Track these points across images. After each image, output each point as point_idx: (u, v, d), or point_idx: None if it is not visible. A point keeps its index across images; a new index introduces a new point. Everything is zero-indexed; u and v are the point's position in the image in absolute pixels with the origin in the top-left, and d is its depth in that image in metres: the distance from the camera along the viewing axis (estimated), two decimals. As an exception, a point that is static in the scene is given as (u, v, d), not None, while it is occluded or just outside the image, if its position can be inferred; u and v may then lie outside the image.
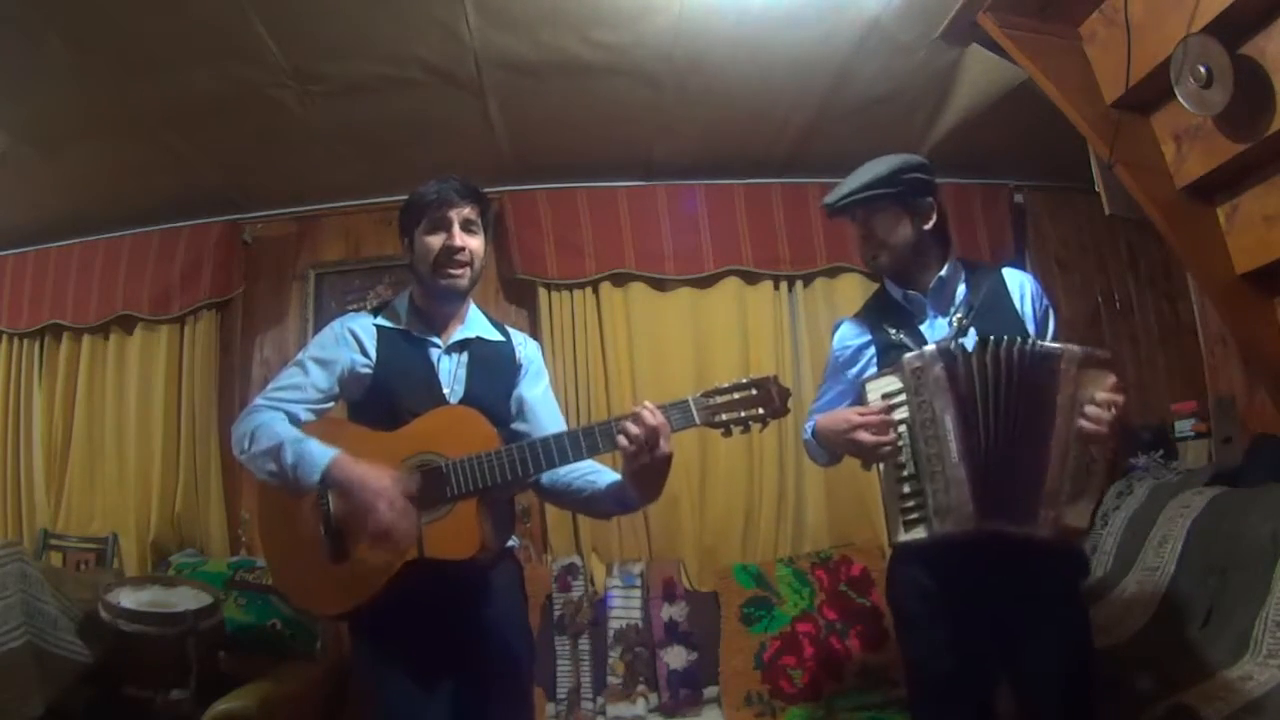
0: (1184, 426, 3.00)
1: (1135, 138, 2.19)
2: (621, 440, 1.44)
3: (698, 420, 1.48)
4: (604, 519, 1.79)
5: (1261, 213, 2.06)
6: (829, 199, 1.73)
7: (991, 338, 1.51)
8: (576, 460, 1.53)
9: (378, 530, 1.43)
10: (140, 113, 2.58)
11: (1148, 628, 2.16)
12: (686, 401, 1.49)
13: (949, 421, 1.47)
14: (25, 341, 3.32)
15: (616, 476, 1.61)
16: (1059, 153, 2.66)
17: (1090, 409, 1.44)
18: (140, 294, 3.23)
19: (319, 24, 2.24)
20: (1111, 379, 1.46)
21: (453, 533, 1.50)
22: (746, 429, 1.51)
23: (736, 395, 1.50)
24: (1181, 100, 1.92)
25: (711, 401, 1.50)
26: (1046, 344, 1.54)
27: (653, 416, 1.43)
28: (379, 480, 1.44)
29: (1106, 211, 2.33)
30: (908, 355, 1.53)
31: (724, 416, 1.49)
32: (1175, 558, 2.23)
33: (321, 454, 1.48)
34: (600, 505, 1.65)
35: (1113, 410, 1.43)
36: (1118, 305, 3.45)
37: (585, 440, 1.50)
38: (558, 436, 1.52)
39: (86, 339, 3.28)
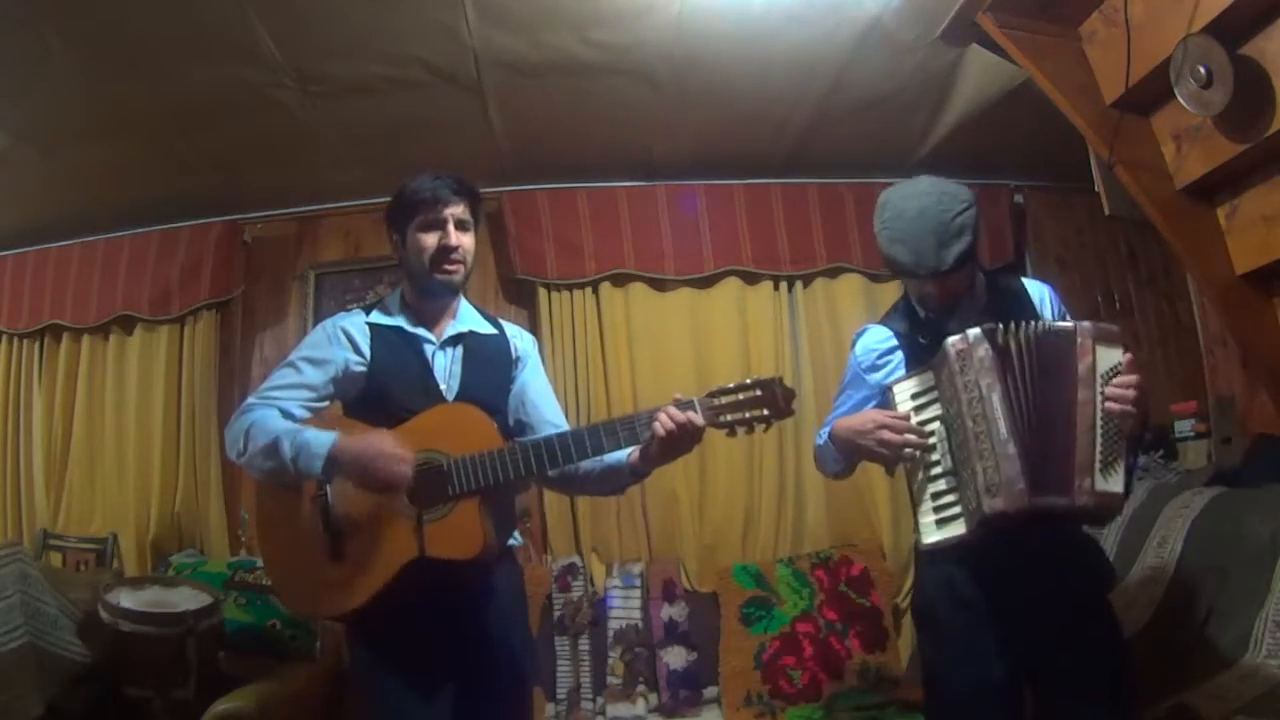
0: (1184, 427, 2.99)
1: (1135, 138, 2.18)
2: (659, 430, 1.48)
3: (702, 421, 1.50)
4: (617, 494, 1.81)
5: (1261, 213, 2.06)
6: (931, 263, 1.54)
7: (1020, 321, 1.53)
8: (580, 460, 1.53)
9: (397, 482, 1.43)
10: (140, 113, 2.58)
11: (1148, 628, 2.16)
12: (692, 401, 1.51)
13: (996, 400, 1.48)
14: (25, 341, 3.32)
15: (622, 452, 1.61)
16: (1059, 153, 2.66)
17: (1113, 390, 1.47)
18: (140, 294, 3.23)
19: (319, 24, 2.24)
20: (1127, 354, 1.50)
21: (455, 532, 1.49)
22: (750, 429, 1.53)
23: (741, 396, 1.51)
24: (1181, 100, 1.92)
25: (716, 402, 1.51)
26: (1060, 322, 1.56)
27: (693, 418, 1.48)
28: (382, 437, 1.45)
29: (1106, 211, 2.33)
30: (950, 339, 1.52)
31: (728, 417, 1.51)
32: (1175, 558, 2.23)
33: (320, 441, 1.47)
34: (616, 480, 1.67)
35: (1134, 388, 1.46)
36: (1118, 305, 3.45)
37: (590, 440, 1.51)
38: (561, 437, 1.53)
39: (86, 339, 3.28)
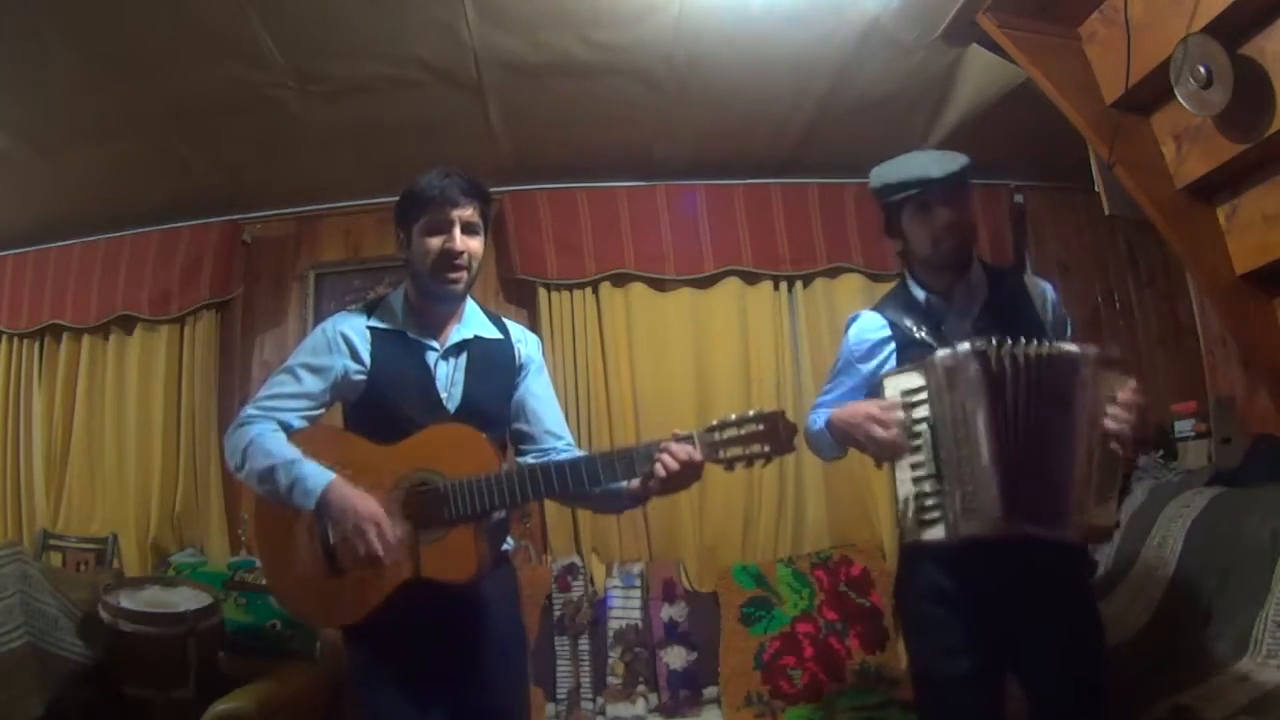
0: (1184, 427, 3.00)
1: (1135, 138, 2.18)
2: (660, 471, 1.45)
3: (701, 458, 1.47)
4: (615, 514, 1.79)
5: (1261, 213, 2.06)
6: (941, 169, 1.58)
7: (1021, 339, 1.49)
8: (576, 489, 1.51)
9: (370, 559, 1.43)
10: (140, 113, 2.58)
11: (1148, 628, 2.16)
12: (691, 435, 1.47)
13: (981, 423, 1.44)
14: (25, 341, 3.32)
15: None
16: (1059, 153, 2.66)
17: (1114, 409, 1.44)
18: (140, 294, 3.23)
19: (319, 24, 2.24)
20: (1131, 382, 1.47)
21: (450, 555, 1.48)
22: (750, 465, 1.48)
23: (742, 430, 1.47)
24: (1181, 100, 1.92)
25: (716, 437, 1.47)
26: (1067, 346, 1.52)
27: (693, 454, 1.45)
28: (371, 510, 1.44)
29: (1106, 211, 2.33)
30: (939, 353, 1.50)
31: (727, 453, 1.47)
32: (1175, 558, 2.23)
33: (315, 480, 1.46)
34: (615, 503, 1.64)
35: (1134, 411, 1.44)
36: (1118, 305, 3.45)
37: (587, 472, 1.49)
38: (559, 466, 1.51)
39: (86, 339, 3.27)
